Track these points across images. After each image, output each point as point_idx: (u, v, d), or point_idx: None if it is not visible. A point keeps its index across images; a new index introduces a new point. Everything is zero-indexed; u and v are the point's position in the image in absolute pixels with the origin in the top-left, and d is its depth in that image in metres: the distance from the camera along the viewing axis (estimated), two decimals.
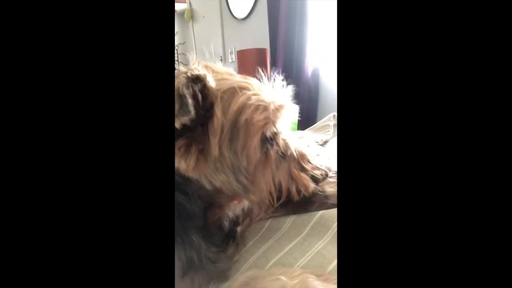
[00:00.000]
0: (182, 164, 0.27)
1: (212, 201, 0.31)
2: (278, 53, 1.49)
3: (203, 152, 0.27)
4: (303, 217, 0.32)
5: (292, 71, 1.36)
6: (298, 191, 0.31)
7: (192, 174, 0.28)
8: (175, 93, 0.24)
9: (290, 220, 0.32)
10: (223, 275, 0.30)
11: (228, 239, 0.33)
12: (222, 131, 0.27)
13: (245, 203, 0.36)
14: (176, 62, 3.79)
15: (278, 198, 0.31)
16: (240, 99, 0.27)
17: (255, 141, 0.28)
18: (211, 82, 0.26)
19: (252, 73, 0.32)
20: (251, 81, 0.30)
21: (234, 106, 0.27)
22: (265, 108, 0.28)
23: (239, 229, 0.34)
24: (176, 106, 0.24)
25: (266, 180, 0.29)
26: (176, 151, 0.26)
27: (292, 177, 0.31)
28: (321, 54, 1.37)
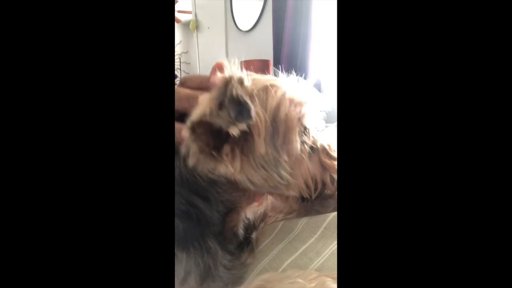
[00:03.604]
0: (229, 168, 0.27)
1: (234, 205, 0.31)
2: (281, 66, 1.52)
3: (243, 151, 0.27)
4: (316, 218, 0.31)
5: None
6: (332, 180, 0.31)
7: (238, 176, 0.27)
8: (224, 98, 0.24)
9: (302, 221, 0.32)
10: (238, 282, 0.30)
11: (242, 246, 0.32)
12: (265, 128, 0.27)
13: (268, 203, 0.35)
14: (177, 70, 3.84)
15: (315, 190, 0.31)
16: (277, 95, 0.28)
17: (295, 134, 0.28)
18: (247, 82, 0.26)
19: None
20: (277, 78, 0.30)
21: (272, 103, 0.27)
22: (299, 102, 0.28)
23: (254, 235, 0.34)
24: (231, 113, 0.24)
25: (303, 172, 0.30)
26: (224, 157, 0.26)
27: (324, 167, 0.31)
28: (322, 68, 1.41)
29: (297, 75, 0.32)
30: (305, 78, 0.32)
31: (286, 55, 1.48)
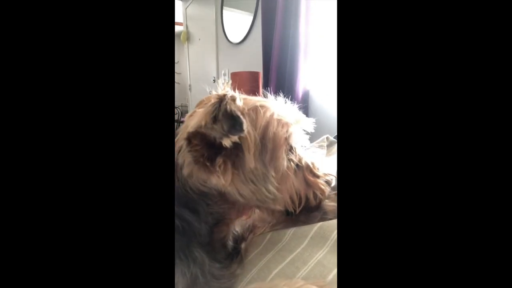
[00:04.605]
0: (221, 180, 0.28)
1: (223, 217, 0.32)
2: (271, 77, 1.56)
3: (234, 165, 0.29)
4: (303, 228, 0.33)
5: (283, 94, 1.42)
6: (315, 196, 0.33)
7: (229, 188, 0.29)
8: (218, 113, 0.26)
9: (290, 232, 0.33)
10: None
11: (232, 256, 0.33)
12: (255, 145, 0.29)
13: (255, 217, 0.37)
14: None
15: (299, 205, 0.33)
16: (266, 115, 0.30)
17: (282, 152, 0.30)
18: (239, 101, 0.29)
19: (246, 92, 0.35)
20: (267, 99, 0.33)
21: (262, 122, 0.30)
22: (286, 123, 0.31)
23: (243, 245, 0.35)
24: (225, 126, 0.26)
25: (288, 188, 0.31)
26: (217, 169, 0.28)
27: (308, 184, 0.33)
28: (311, 79, 1.45)
29: (284, 96, 0.34)
30: (294, 88, 0.34)
31: (276, 66, 1.52)
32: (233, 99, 0.28)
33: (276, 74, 1.53)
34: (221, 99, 0.27)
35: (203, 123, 0.26)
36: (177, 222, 0.30)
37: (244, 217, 0.36)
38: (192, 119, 0.29)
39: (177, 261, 0.29)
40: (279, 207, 0.32)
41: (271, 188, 0.30)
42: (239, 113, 0.27)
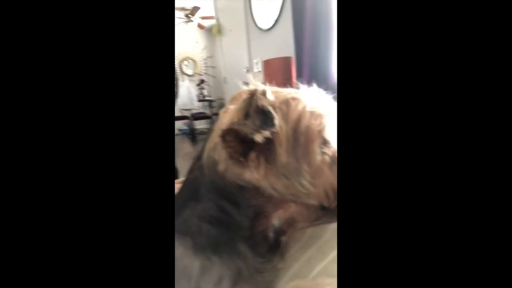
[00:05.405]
0: (255, 175, 0.29)
1: (261, 210, 0.33)
2: (304, 62, 1.50)
3: (267, 160, 0.29)
4: None
5: (318, 78, 1.36)
6: None
7: (263, 183, 0.30)
8: (250, 109, 0.27)
9: (330, 228, 0.32)
10: (270, 286, 0.31)
11: (273, 249, 0.34)
12: (287, 139, 0.28)
13: (292, 211, 0.37)
14: (205, 74, 3.95)
15: (334, 200, 0.32)
16: (298, 108, 0.29)
17: (316, 145, 0.29)
18: (270, 96, 0.28)
19: (279, 81, 0.34)
20: (298, 91, 0.32)
21: (293, 115, 0.29)
22: (320, 115, 0.30)
23: (284, 238, 0.35)
24: (256, 122, 0.26)
25: (322, 182, 0.31)
26: (250, 163, 0.29)
27: None
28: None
29: (318, 84, 0.32)
30: (329, 72, 0.32)
31: (308, 50, 1.45)
32: (264, 93, 0.27)
33: (309, 58, 1.46)
34: (252, 94, 0.27)
35: (235, 119, 0.27)
36: (221, 216, 0.31)
37: (281, 211, 0.36)
38: (225, 116, 0.30)
39: (223, 254, 0.31)
40: (313, 202, 0.31)
41: (304, 182, 0.29)
42: (270, 108, 0.27)
